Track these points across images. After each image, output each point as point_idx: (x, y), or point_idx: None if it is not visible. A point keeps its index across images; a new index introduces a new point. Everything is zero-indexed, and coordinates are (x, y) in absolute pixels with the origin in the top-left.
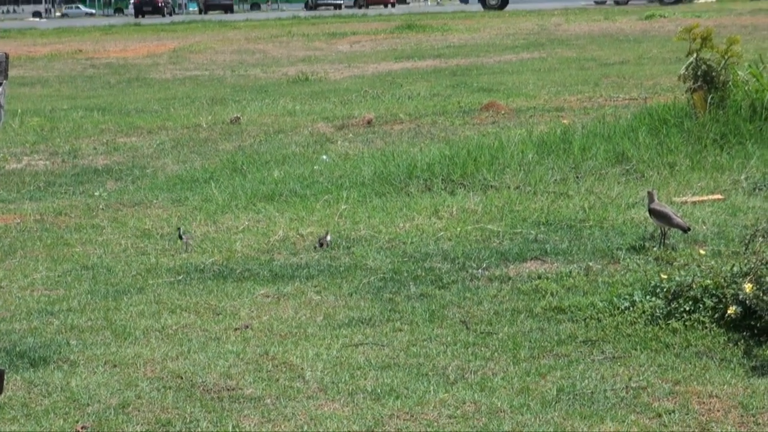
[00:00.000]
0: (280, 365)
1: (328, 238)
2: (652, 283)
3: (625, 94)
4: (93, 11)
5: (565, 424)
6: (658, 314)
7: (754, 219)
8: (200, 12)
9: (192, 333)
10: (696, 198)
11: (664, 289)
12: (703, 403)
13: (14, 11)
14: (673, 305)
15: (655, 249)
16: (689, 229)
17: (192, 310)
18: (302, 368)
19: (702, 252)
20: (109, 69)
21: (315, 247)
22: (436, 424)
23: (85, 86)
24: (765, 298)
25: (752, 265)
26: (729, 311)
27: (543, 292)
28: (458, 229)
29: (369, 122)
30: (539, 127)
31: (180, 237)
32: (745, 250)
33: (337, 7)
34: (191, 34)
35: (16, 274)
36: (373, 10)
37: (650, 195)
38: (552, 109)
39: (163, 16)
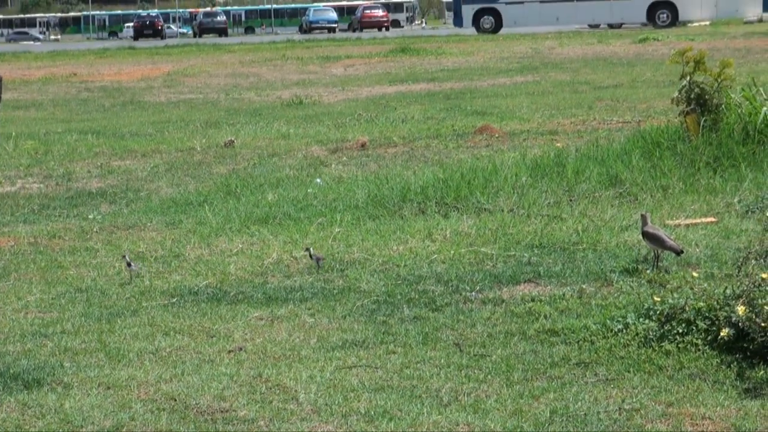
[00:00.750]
0: (273, 387)
1: (312, 250)
2: (646, 305)
3: (619, 118)
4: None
5: None
6: (651, 336)
7: (747, 241)
8: (194, 35)
9: (186, 355)
10: (689, 221)
11: (657, 312)
12: (696, 425)
13: (8, 34)
14: (666, 327)
15: (648, 272)
16: (682, 252)
17: (186, 333)
18: (296, 390)
19: (695, 274)
20: (104, 92)
21: (311, 256)
22: None
23: (80, 109)
24: (758, 320)
25: (745, 288)
26: (722, 333)
27: (536, 315)
28: (452, 251)
29: (363, 145)
30: (533, 151)
31: (128, 264)
32: (738, 272)
33: (331, 30)
34: (185, 58)
35: (10, 297)
36: (367, 34)
37: (643, 218)
38: (545, 133)
39: (162, 38)
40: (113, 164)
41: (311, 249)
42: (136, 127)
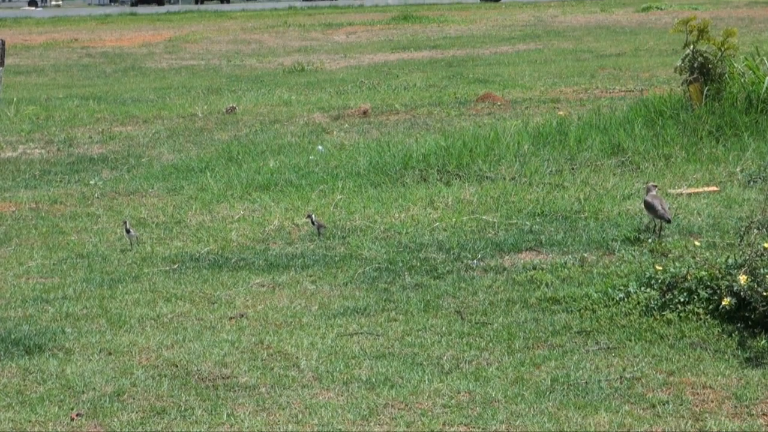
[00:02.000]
0: (275, 354)
1: (314, 217)
2: (647, 274)
3: (622, 86)
4: None
5: (559, 414)
6: (653, 305)
7: (749, 211)
8: (196, 2)
9: (187, 322)
10: (691, 190)
11: (659, 281)
12: (697, 393)
13: (9, 0)
14: (667, 296)
15: (650, 240)
16: (670, 221)
17: (187, 299)
18: (297, 357)
19: (697, 243)
20: (105, 58)
21: (312, 222)
22: (430, 413)
23: (81, 75)
24: (759, 289)
25: (747, 257)
26: (723, 302)
27: (538, 283)
28: (453, 219)
29: (365, 113)
30: (535, 119)
31: (127, 231)
32: (740, 241)
33: None
34: (187, 24)
35: (12, 262)
36: (370, 1)
37: (647, 188)
38: (548, 101)
39: (161, 5)
40: (114, 130)
41: (313, 215)
42: (137, 93)
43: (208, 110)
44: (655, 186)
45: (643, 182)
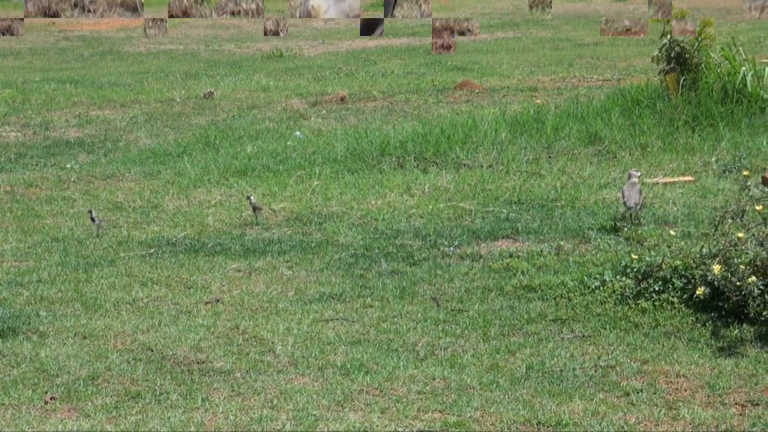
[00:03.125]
0: (250, 339)
1: (252, 199)
2: (623, 263)
3: (599, 75)
4: None
5: (533, 402)
6: (628, 294)
7: (724, 201)
8: None
9: (163, 306)
10: (667, 179)
11: (634, 269)
12: (671, 382)
13: None
14: (642, 285)
15: (626, 229)
16: (629, 208)
17: (163, 284)
18: (273, 342)
19: (672, 233)
20: (83, 42)
21: (251, 204)
22: (405, 399)
23: (58, 58)
24: (733, 279)
25: (721, 247)
26: (698, 292)
27: (514, 271)
28: (430, 206)
29: (342, 99)
30: (512, 107)
31: (92, 219)
32: (715, 231)
33: None
34: (165, 8)
35: None
36: None
37: (629, 174)
38: (526, 89)
39: None
40: (92, 114)
41: (252, 197)
42: (115, 77)
43: (185, 95)
44: (638, 173)
45: (620, 171)
